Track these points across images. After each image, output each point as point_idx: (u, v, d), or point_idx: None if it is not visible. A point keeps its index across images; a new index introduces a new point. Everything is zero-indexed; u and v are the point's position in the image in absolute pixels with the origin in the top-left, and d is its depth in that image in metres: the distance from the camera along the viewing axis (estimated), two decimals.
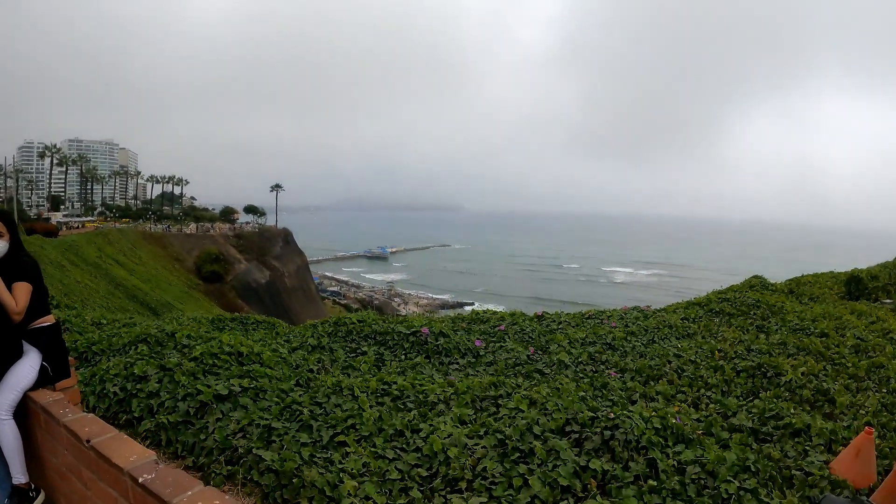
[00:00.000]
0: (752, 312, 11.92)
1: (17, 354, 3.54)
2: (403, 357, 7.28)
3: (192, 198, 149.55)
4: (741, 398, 6.80)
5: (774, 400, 6.26)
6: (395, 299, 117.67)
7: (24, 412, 3.56)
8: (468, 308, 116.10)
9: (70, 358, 3.98)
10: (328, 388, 4.87)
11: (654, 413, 4.58)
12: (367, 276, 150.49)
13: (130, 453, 2.50)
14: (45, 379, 3.64)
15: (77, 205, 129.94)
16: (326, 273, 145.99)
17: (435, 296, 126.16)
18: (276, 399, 4.67)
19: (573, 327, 9.91)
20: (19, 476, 3.39)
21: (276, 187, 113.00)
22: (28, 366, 3.54)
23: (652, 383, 7.08)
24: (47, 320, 3.71)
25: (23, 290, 3.46)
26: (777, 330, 10.46)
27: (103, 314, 11.20)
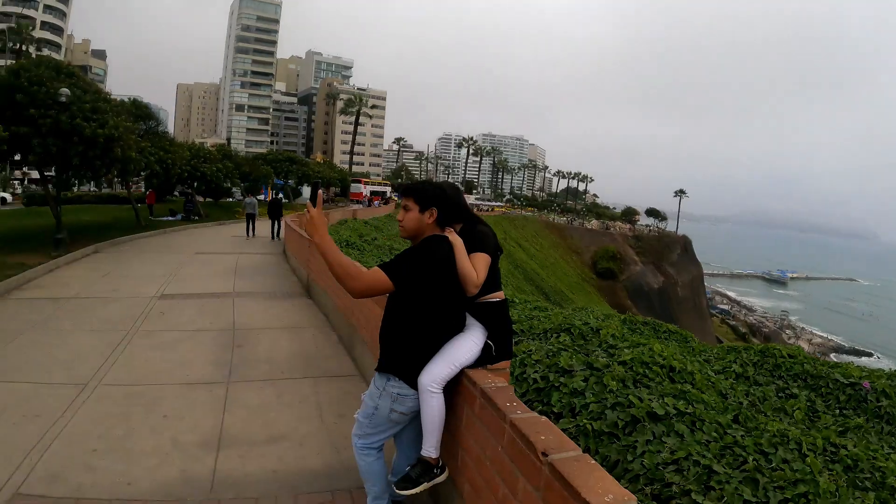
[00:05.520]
0: None
1: (460, 328, 3.33)
2: (838, 412, 5.84)
3: (595, 195, 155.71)
4: None
5: None
6: (787, 331, 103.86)
7: (454, 388, 3.31)
8: (864, 359, 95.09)
9: None
10: (773, 435, 3.88)
11: None
12: (760, 299, 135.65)
13: (605, 490, 1.90)
14: (485, 358, 3.33)
15: (488, 191, 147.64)
16: (718, 288, 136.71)
17: (828, 335, 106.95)
18: (714, 434, 3.87)
19: None
20: (431, 450, 3.21)
21: (680, 193, 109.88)
22: (471, 341, 3.27)
23: None
24: (497, 296, 3.40)
25: (482, 261, 3.23)
26: None
27: (514, 293, 11.77)
